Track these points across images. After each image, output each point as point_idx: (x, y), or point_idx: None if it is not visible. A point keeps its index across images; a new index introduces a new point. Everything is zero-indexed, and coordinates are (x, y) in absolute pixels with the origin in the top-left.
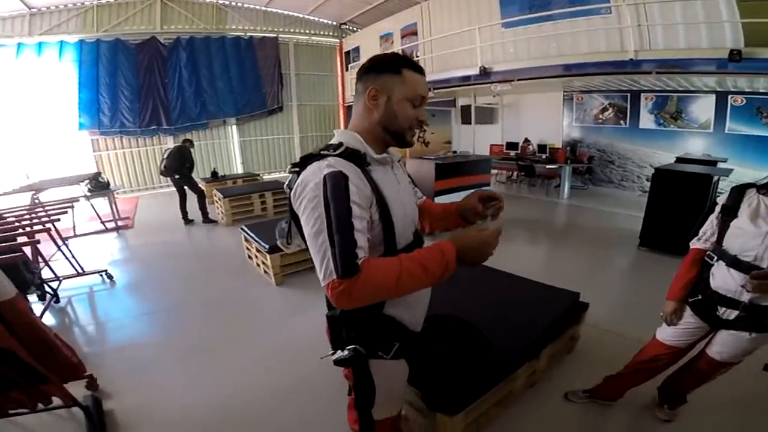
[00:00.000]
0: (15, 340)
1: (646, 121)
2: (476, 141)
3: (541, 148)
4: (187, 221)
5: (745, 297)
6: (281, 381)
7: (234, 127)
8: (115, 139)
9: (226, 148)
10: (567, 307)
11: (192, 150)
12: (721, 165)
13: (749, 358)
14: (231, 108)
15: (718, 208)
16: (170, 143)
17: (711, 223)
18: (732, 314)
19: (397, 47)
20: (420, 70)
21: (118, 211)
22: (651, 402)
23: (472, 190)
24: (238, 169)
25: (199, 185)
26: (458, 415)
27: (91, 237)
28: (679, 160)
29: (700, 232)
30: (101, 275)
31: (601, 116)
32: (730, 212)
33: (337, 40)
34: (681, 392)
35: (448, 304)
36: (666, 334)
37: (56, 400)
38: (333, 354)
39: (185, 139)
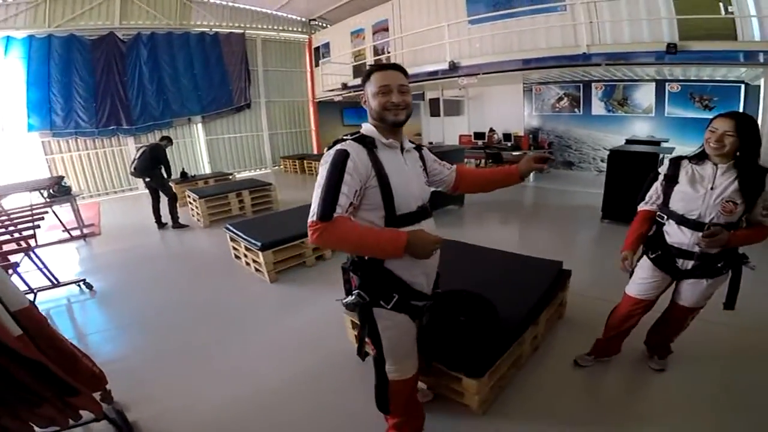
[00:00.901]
0: (38, 351)
1: (598, 108)
2: (445, 132)
3: (506, 136)
4: (161, 225)
5: (698, 248)
6: (287, 375)
7: (200, 125)
8: (70, 141)
9: (192, 147)
10: (554, 275)
11: (169, 149)
12: (663, 145)
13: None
14: (196, 106)
15: (661, 177)
16: (131, 144)
17: (656, 190)
18: (689, 264)
19: (368, 43)
20: (385, 68)
21: (81, 217)
22: (642, 356)
23: (526, 155)
24: (206, 169)
25: (172, 188)
26: (483, 378)
27: (56, 247)
28: (629, 141)
29: (647, 197)
30: (79, 285)
31: (557, 105)
32: (671, 180)
33: (307, 36)
34: (664, 342)
35: (449, 279)
36: (635, 289)
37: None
38: (345, 299)
39: (163, 136)
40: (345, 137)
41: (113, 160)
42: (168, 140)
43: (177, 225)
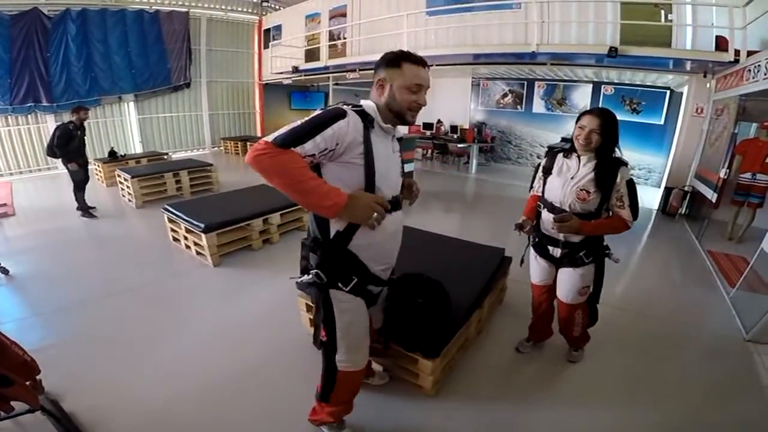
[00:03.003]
0: None
1: (538, 106)
2: None
3: (454, 128)
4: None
5: (562, 236)
6: (233, 365)
7: (131, 104)
8: None
9: (122, 126)
10: (498, 261)
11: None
12: None
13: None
14: (129, 84)
15: (540, 168)
16: (50, 121)
17: (538, 179)
18: (557, 252)
19: (324, 28)
20: (420, 62)
21: None
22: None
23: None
24: (137, 148)
25: (80, 173)
26: (437, 358)
27: None
28: (563, 139)
29: (534, 185)
30: None
31: (502, 101)
32: (547, 171)
33: (257, 17)
34: (569, 336)
35: (399, 263)
36: (533, 276)
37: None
38: (300, 277)
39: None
40: (348, 103)
41: (29, 138)
42: (79, 112)
43: (85, 213)
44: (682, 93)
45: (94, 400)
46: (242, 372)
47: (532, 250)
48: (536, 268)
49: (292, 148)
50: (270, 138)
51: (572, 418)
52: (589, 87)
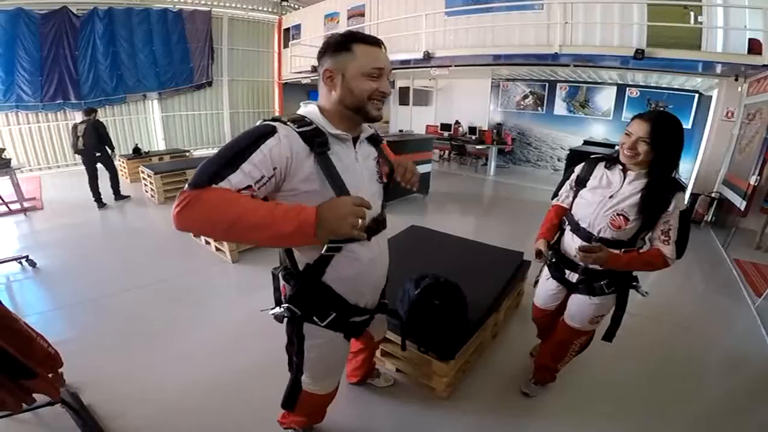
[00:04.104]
0: None
1: (560, 108)
2: (413, 121)
3: (472, 129)
4: (101, 204)
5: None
6: (248, 361)
7: (155, 101)
8: (9, 115)
9: (146, 123)
10: (516, 265)
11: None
12: (617, 148)
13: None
14: (153, 82)
15: (573, 177)
16: (78, 118)
17: (567, 189)
18: (574, 277)
19: (342, 27)
20: (374, 42)
21: (21, 191)
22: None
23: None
24: (160, 146)
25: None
26: (452, 361)
27: None
28: (586, 143)
29: (560, 194)
30: (20, 262)
31: (522, 102)
32: (581, 182)
33: (277, 17)
34: (546, 365)
35: (416, 264)
36: (537, 298)
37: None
38: (272, 309)
39: (89, 109)
40: (279, 118)
41: (57, 135)
42: (95, 112)
43: (119, 197)
44: (711, 97)
45: (111, 392)
46: (255, 367)
47: (546, 271)
48: (544, 291)
49: (214, 185)
50: (185, 186)
51: (586, 430)
52: (614, 89)
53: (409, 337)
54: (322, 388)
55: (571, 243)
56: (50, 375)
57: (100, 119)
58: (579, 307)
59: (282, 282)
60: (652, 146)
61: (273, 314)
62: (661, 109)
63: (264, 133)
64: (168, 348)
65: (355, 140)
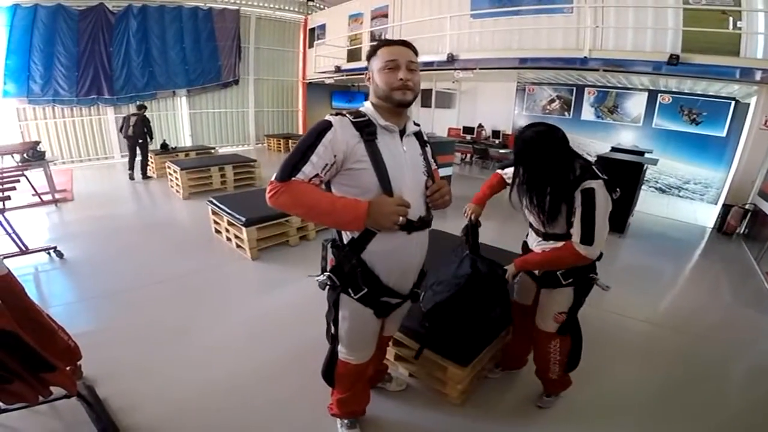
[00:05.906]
0: (14, 322)
1: (588, 113)
2: (435, 124)
3: (495, 133)
4: (132, 177)
5: (536, 248)
6: (266, 358)
7: (184, 98)
8: (46, 109)
9: (174, 120)
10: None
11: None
12: (647, 155)
13: None
14: (182, 79)
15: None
16: (110, 113)
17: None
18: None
19: (366, 28)
20: (393, 43)
21: (53, 182)
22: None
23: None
24: (187, 142)
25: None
26: (467, 367)
27: (25, 211)
28: (614, 149)
29: (507, 171)
30: (49, 253)
31: (548, 107)
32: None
33: (302, 16)
34: (545, 377)
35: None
36: (515, 291)
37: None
38: (317, 276)
39: (141, 104)
40: (341, 112)
41: (90, 129)
42: (145, 108)
43: (146, 176)
44: (748, 104)
45: (127, 386)
46: (272, 364)
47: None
48: (518, 285)
49: (293, 178)
50: (273, 176)
51: None
52: (644, 95)
53: (427, 342)
54: (357, 358)
55: (532, 240)
56: (68, 368)
57: (132, 114)
58: (543, 302)
59: (329, 252)
60: (524, 168)
61: (317, 280)
62: (695, 116)
63: (323, 129)
64: (186, 344)
65: (402, 134)
